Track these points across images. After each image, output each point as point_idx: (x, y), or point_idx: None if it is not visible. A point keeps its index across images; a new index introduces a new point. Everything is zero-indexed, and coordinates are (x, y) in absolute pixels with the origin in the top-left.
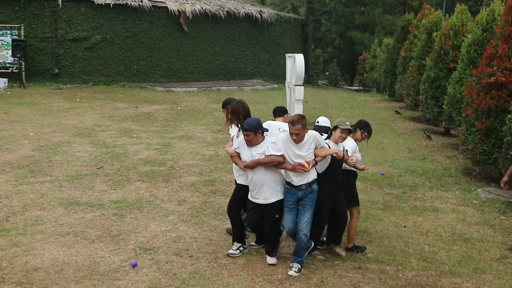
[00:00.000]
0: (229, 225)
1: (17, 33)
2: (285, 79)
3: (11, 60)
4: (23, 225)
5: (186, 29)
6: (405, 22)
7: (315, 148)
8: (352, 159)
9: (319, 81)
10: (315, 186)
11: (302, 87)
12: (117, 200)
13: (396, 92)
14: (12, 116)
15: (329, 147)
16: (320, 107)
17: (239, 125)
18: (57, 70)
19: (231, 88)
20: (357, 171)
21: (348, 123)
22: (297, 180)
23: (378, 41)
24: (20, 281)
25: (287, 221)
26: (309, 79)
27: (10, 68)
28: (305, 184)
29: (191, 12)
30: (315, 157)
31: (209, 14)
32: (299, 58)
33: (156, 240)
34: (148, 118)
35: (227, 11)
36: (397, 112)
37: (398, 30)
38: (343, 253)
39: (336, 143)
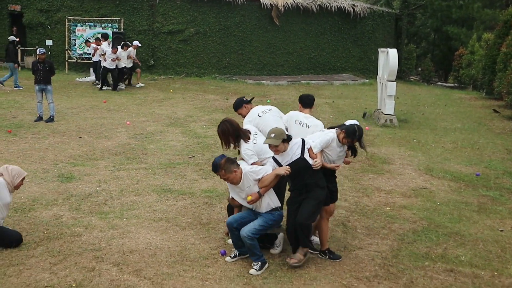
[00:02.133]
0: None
1: (117, 26)
2: (376, 74)
3: None
4: (120, 209)
5: (277, 23)
6: (508, 16)
7: (258, 180)
8: (316, 161)
9: (411, 77)
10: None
11: (394, 83)
12: (207, 189)
13: (495, 90)
14: (111, 105)
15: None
16: (412, 104)
17: (235, 143)
18: (153, 62)
19: (321, 82)
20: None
21: (273, 135)
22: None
23: (477, 36)
24: (117, 262)
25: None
26: (401, 75)
27: None
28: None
29: (283, 5)
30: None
31: (301, 7)
32: (393, 53)
33: None
34: None
35: (319, 5)
36: (495, 111)
37: (499, 25)
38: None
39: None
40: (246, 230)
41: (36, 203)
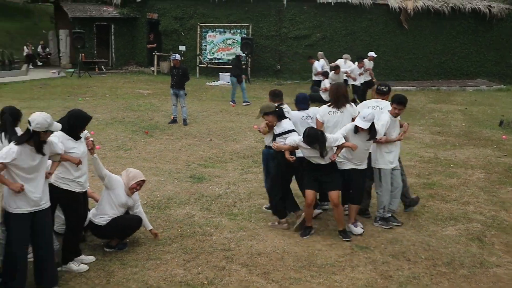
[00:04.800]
0: None
1: (245, 32)
2: None
3: None
4: (248, 212)
5: (406, 26)
6: None
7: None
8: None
9: None
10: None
11: None
12: None
13: None
14: (239, 109)
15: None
16: None
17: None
18: (279, 67)
19: (452, 88)
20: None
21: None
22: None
23: None
24: (246, 263)
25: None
26: None
27: None
28: None
29: (413, 8)
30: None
31: (432, 10)
32: None
33: (372, 239)
34: None
35: (451, 7)
36: None
37: None
38: None
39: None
40: None
41: (170, 202)
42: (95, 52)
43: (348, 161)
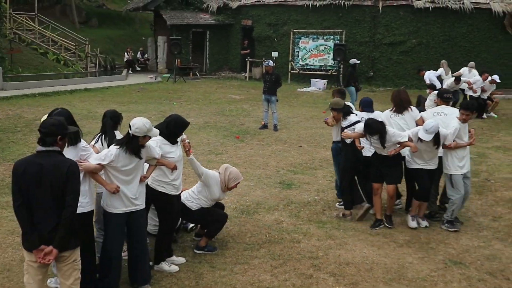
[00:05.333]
0: None
1: (338, 38)
2: None
3: (331, 63)
4: (337, 220)
5: (510, 32)
6: None
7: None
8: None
9: None
10: None
11: None
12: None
13: None
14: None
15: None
16: None
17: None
18: (372, 73)
19: None
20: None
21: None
22: None
23: None
24: (334, 272)
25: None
26: None
27: (330, 71)
28: None
29: None
30: None
31: None
32: None
33: (467, 254)
34: None
35: None
36: None
37: None
38: None
39: None
40: None
41: (259, 207)
42: (191, 58)
43: (415, 161)
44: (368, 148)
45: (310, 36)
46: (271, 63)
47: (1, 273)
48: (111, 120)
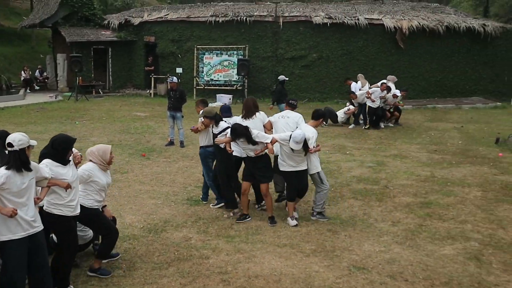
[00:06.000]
0: None
1: (242, 53)
2: (511, 97)
3: (236, 78)
4: (245, 234)
5: (402, 46)
6: None
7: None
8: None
9: None
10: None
11: None
12: (331, 216)
13: None
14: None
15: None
16: None
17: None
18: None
19: (448, 106)
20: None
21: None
22: None
23: None
24: (243, 286)
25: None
26: None
27: (235, 86)
28: None
29: (408, 28)
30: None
31: (427, 29)
32: None
33: (369, 259)
34: (361, 135)
35: (446, 26)
36: None
37: None
38: None
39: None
40: None
41: (167, 225)
42: (93, 75)
43: (287, 164)
44: (238, 150)
45: (214, 51)
46: (175, 79)
47: None
48: (1, 141)
